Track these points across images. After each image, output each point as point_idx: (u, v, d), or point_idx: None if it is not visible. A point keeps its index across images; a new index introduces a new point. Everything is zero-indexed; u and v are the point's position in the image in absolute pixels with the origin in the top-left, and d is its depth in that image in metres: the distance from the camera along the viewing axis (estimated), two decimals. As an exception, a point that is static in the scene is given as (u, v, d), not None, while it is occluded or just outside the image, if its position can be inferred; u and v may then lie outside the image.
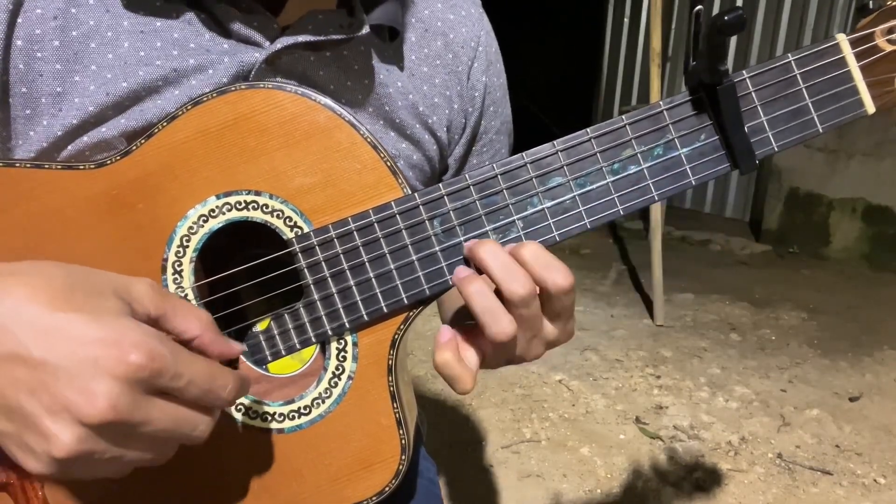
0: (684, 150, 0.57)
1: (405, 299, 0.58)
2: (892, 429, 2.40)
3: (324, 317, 0.59)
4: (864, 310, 3.36)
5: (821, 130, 0.56)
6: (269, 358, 0.61)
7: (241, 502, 0.61)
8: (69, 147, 0.59)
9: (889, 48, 0.54)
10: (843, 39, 0.55)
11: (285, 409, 0.60)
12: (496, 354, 0.56)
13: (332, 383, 0.60)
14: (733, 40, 4.20)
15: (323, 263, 0.57)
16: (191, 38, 0.60)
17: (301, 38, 0.61)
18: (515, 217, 0.57)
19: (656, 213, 3.11)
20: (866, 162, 3.87)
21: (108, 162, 0.57)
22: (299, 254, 0.57)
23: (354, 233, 0.57)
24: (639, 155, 0.57)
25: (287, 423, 0.60)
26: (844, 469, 2.19)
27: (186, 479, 0.60)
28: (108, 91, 0.58)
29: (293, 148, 0.56)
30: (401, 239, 0.57)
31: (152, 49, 0.59)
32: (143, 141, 0.56)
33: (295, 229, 0.57)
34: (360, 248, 0.57)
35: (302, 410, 0.60)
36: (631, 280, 3.79)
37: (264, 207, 0.57)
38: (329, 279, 0.58)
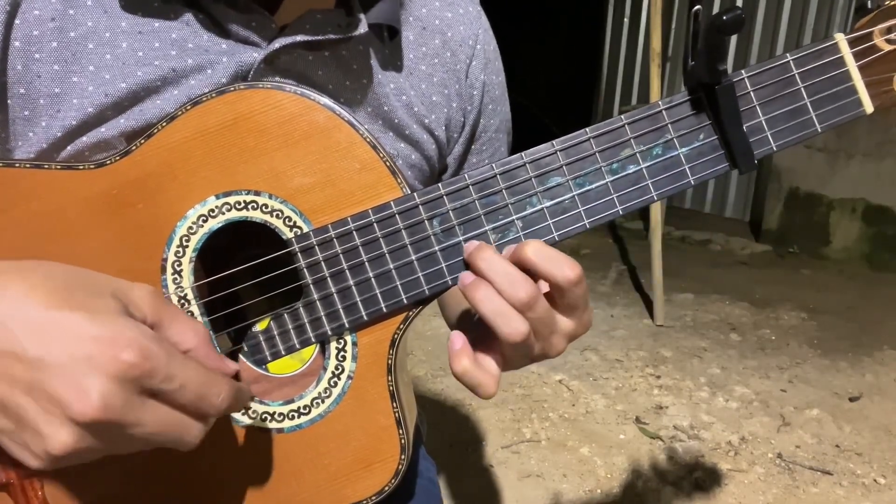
0: (683, 149, 0.57)
1: (405, 299, 0.58)
2: (892, 429, 2.40)
3: (323, 317, 0.59)
4: (864, 310, 3.36)
5: (819, 130, 0.56)
6: (269, 358, 0.61)
7: (241, 502, 0.61)
8: (68, 148, 0.59)
9: (887, 48, 0.54)
10: (841, 39, 0.55)
11: (285, 409, 0.60)
12: (515, 355, 0.55)
13: (332, 383, 0.60)
14: (733, 40, 4.20)
15: (322, 263, 0.58)
16: (189, 39, 0.60)
17: (299, 38, 0.61)
18: (515, 217, 0.57)
19: (656, 212, 3.11)
20: (866, 162, 3.87)
21: (108, 162, 0.57)
22: (299, 254, 0.57)
23: (354, 233, 0.57)
24: (638, 155, 0.57)
25: (286, 423, 0.60)
26: (844, 469, 2.19)
27: (186, 479, 0.60)
28: (106, 92, 0.58)
29: (292, 148, 0.56)
30: (400, 239, 0.57)
31: (150, 49, 0.59)
32: (142, 141, 0.56)
33: (294, 229, 0.57)
34: (360, 247, 0.57)
35: (301, 410, 0.60)
36: (631, 280, 3.79)
37: (264, 207, 0.57)
38: (328, 279, 0.58)
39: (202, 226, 0.57)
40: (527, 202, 0.57)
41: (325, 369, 0.60)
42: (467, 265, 0.56)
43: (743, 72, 0.56)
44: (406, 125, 0.70)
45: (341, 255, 0.57)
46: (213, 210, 0.57)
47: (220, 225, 0.57)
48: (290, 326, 0.60)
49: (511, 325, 0.51)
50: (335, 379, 0.60)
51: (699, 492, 2.09)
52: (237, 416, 0.60)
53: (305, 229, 0.57)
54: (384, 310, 0.58)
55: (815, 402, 2.55)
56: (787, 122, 0.56)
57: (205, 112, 0.56)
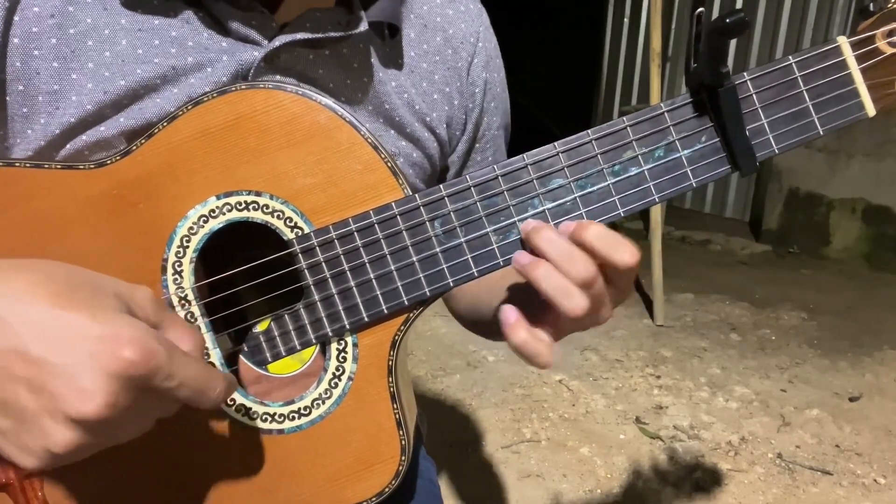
0: (685, 151, 0.57)
1: (405, 301, 0.58)
2: (892, 429, 2.40)
3: (324, 318, 0.58)
4: (864, 310, 3.36)
5: (821, 133, 0.56)
6: (269, 359, 0.61)
7: (241, 503, 0.61)
8: (68, 146, 0.59)
9: (890, 51, 0.54)
10: (844, 42, 0.55)
11: (285, 410, 0.60)
12: (569, 327, 0.56)
13: (333, 384, 0.60)
14: (733, 42, 4.19)
15: (323, 264, 0.57)
16: (189, 37, 0.60)
17: (299, 36, 0.61)
18: (516, 218, 0.57)
19: (656, 213, 3.11)
20: (866, 162, 3.86)
21: (109, 162, 0.57)
22: (300, 254, 0.57)
23: (355, 233, 0.57)
24: (640, 157, 0.57)
25: (287, 424, 0.60)
26: (844, 469, 2.19)
27: (185, 480, 0.60)
28: (105, 89, 0.58)
29: (294, 148, 0.56)
30: (401, 240, 0.57)
31: (150, 47, 0.59)
32: (143, 141, 0.56)
33: (295, 230, 0.57)
34: (361, 249, 0.57)
35: (302, 411, 0.60)
36: (631, 280, 3.78)
37: (265, 208, 0.57)
38: (329, 280, 0.58)
39: (203, 226, 0.57)
40: (528, 204, 0.57)
41: (325, 370, 0.60)
42: (524, 244, 0.56)
43: (745, 74, 0.56)
44: (407, 123, 0.70)
45: (342, 256, 0.57)
46: (213, 210, 0.57)
47: (220, 225, 0.57)
48: (290, 327, 0.60)
49: (574, 302, 0.52)
50: (336, 380, 0.59)
51: (699, 492, 2.09)
52: (237, 416, 0.60)
53: (306, 230, 0.57)
54: (385, 311, 0.58)
55: (815, 402, 2.55)
56: (789, 125, 0.56)
57: (206, 112, 0.56)
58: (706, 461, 2.23)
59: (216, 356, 0.58)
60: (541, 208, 0.57)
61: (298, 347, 0.60)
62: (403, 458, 0.60)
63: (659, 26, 2.89)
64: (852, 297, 3.53)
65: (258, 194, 0.57)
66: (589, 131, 0.56)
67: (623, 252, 0.52)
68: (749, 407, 2.53)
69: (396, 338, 0.59)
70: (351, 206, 0.57)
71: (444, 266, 0.57)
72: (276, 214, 0.57)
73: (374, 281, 0.57)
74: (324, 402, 0.60)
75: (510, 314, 0.55)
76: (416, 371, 2.74)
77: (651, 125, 0.56)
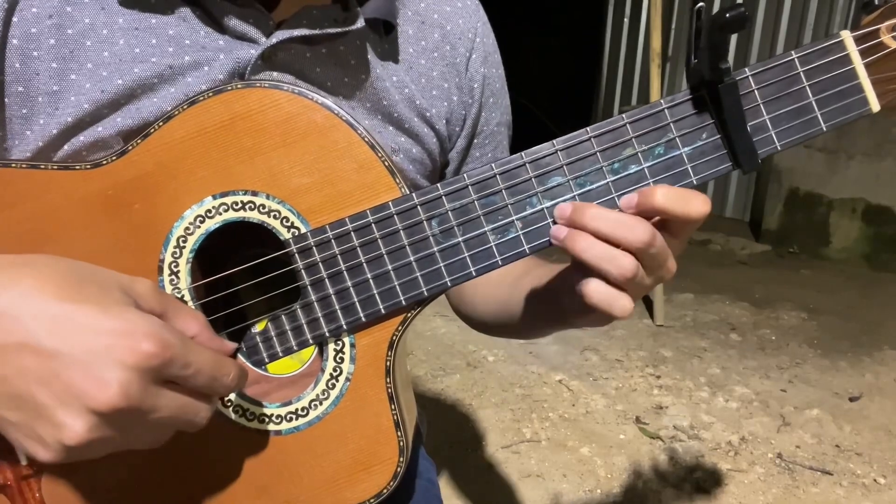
0: (685, 149, 0.56)
1: (403, 300, 0.57)
2: (892, 429, 2.39)
3: (321, 318, 0.58)
4: (864, 310, 3.36)
5: (825, 129, 0.56)
6: (267, 360, 0.61)
7: (239, 505, 0.60)
8: (65, 146, 0.59)
9: (894, 45, 0.54)
10: (847, 36, 0.54)
11: (283, 411, 0.59)
12: (633, 291, 0.55)
13: (330, 385, 0.59)
14: (734, 38, 4.19)
15: (320, 264, 0.57)
16: (186, 35, 0.60)
17: (296, 33, 0.60)
18: (514, 217, 0.56)
19: (656, 212, 3.10)
20: (866, 162, 3.86)
21: (105, 162, 0.56)
22: (296, 254, 0.57)
23: (352, 233, 0.56)
24: (639, 154, 0.56)
25: (284, 425, 0.59)
26: (844, 469, 2.18)
27: (184, 481, 0.60)
28: (103, 89, 0.58)
29: (290, 148, 0.56)
30: (398, 239, 0.57)
31: (147, 46, 0.59)
32: (139, 141, 0.56)
33: (292, 230, 0.57)
34: (358, 248, 0.57)
35: (299, 412, 0.59)
36: (631, 280, 3.77)
37: (261, 208, 0.57)
38: (326, 280, 0.57)
39: (199, 226, 0.57)
40: (527, 202, 0.56)
41: (322, 371, 0.59)
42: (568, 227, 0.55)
43: (746, 70, 0.55)
44: (406, 119, 0.70)
45: (339, 256, 0.57)
46: (210, 210, 0.57)
47: (217, 225, 0.57)
48: (287, 328, 0.59)
49: (621, 267, 0.52)
50: (333, 381, 0.59)
51: (699, 492, 2.09)
52: (235, 417, 0.59)
53: (303, 230, 0.57)
54: (382, 311, 0.57)
55: (815, 402, 2.54)
56: (792, 121, 0.55)
57: (202, 111, 0.55)
58: (706, 461, 2.22)
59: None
60: (539, 207, 0.56)
61: (295, 348, 0.60)
62: (402, 459, 0.60)
63: (659, 26, 2.89)
64: (852, 297, 3.53)
65: (254, 194, 0.56)
66: (587, 129, 0.56)
67: (696, 203, 0.52)
68: (749, 407, 2.53)
69: (394, 338, 0.59)
70: (348, 206, 0.56)
71: (442, 265, 0.57)
72: (272, 214, 0.57)
73: (371, 281, 0.57)
74: (321, 404, 0.59)
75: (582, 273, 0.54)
76: (416, 371, 2.73)
77: (651, 122, 0.56)
